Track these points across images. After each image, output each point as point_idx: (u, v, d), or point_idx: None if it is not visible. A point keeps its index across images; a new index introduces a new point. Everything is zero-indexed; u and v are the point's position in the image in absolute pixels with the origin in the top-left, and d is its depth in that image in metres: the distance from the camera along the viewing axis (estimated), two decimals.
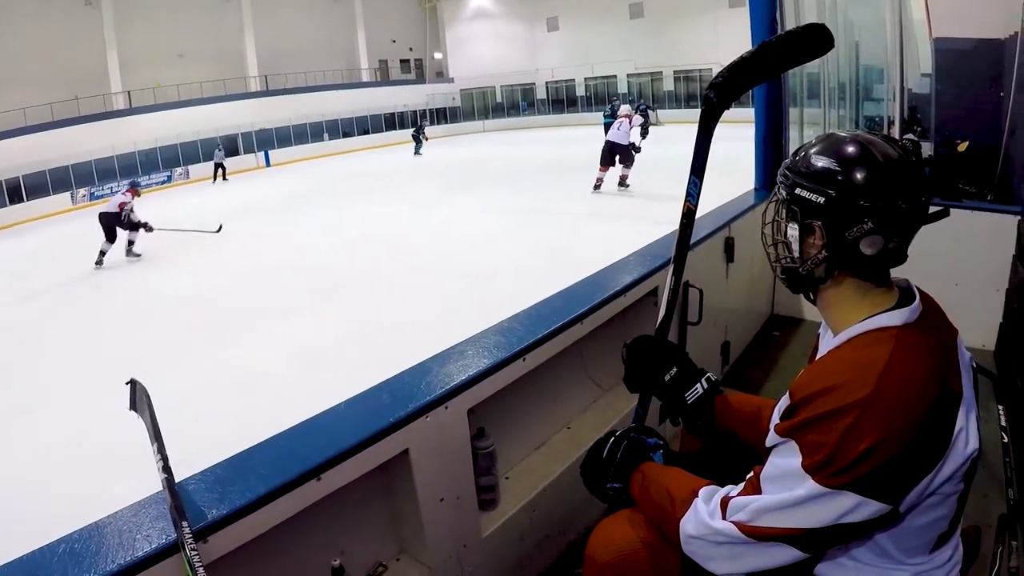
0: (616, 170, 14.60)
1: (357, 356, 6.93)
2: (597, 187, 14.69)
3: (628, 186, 14.65)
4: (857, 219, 1.25)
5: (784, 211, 1.36)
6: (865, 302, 1.31)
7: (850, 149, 1.27)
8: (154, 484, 1.40)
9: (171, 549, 1.27)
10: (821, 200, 1.27)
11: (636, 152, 14.35)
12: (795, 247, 1.35)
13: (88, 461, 5.45)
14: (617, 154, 14.39)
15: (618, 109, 18.80)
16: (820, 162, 1.28)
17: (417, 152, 29.54)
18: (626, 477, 1.60)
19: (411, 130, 31.69)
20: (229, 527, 1.38)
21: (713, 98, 1.68)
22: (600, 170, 14.65)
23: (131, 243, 13.35)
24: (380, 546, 2.01)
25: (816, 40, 1.59)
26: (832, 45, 1.60)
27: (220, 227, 14.40)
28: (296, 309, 9.11)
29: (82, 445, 5.75)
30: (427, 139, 30.85)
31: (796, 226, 1.33)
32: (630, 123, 14.42)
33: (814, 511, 1.18)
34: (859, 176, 1.24)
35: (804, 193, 1.29)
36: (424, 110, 40.34)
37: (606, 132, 19.16)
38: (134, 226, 13.10)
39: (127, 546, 1.27)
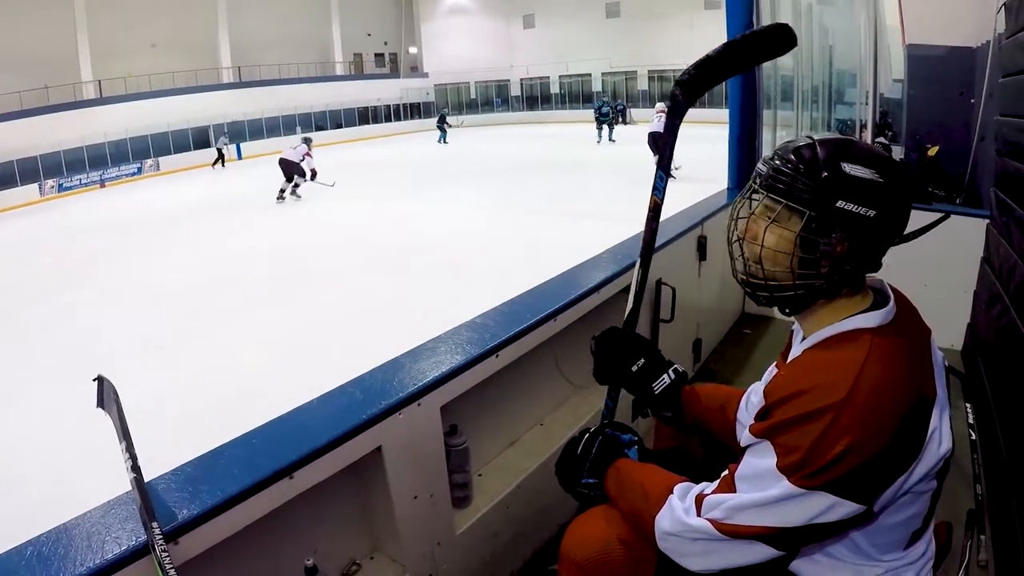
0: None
1: (326, 353, 6.90)
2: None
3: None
4: (896, 231, 1.26)
5: (810, 226, 1.27)
6: (839, 304, 1.32)
7: (880, 158, 1.25)
8: (123, 483, 1.37)
9: (141, 551, 1.24)
10: (871, 214, 1.23)
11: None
12: (826, 263, 1.28)
13: (55, 459, 5.39)
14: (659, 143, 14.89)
15: (602, 107, 23.28)
16: (859, 172, 1.23)
17: (443, 140, 30.52)
18: (601, 473, 1.60)
19: (434, 119, 33.09)
20: (200, 527, 1.36)
21: (679, 95, 1.68)
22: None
23: (297, 186, 17.36)
24: (354, 544, 1.99)
25: (780, 39, 1.61)
26: (795, 44, 1.61)
27: (334, 183, 17.60)
28: (264, 305, 9.07)
29: (48, 443, 5.68)
30: (451, 127, 31.90)
31: (831, 240, 1.26)
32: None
33: (789, 511, 1.19)
34: (900, 188, 1.24)
35: (849, 206, 1.23)
36: (402, 104, 40.22)
37: (599, 127, 23.57)
38: (306, 172, 17.00)
39: (96, 548, 1.24)
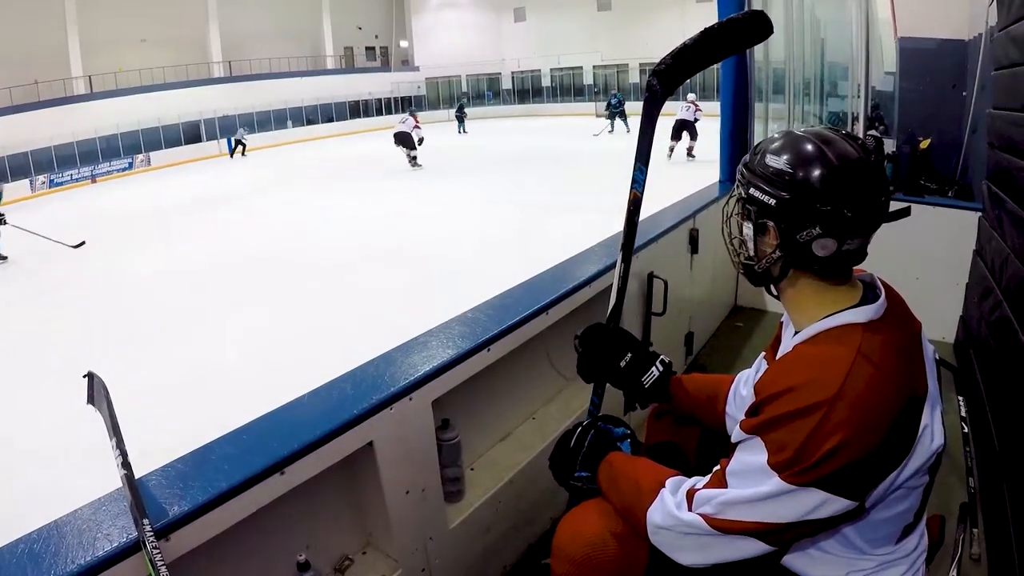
0: (683, 144, 17.76)
1: (317, 346, 6.88)
2: (669, 155, 17.61)
3: (695, 156, 17.57)
4: (808, 222, 1.26)
5: (740, 209, 1.38)
6: (827, 299, 1.32)
7: (806, 151, 1.26)
8: (113, 480, 1.37)
9: (132, 548, 1.24)
10: (773, 202, 1.28)
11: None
12: (750, 245, 1.36)
13: (43, 457, 5.37)
14: (686, 130, 17.58)
15: (613, 100, 26.23)
16: (775, 163, 1.28)
17: (462, 131, 31.61)
18: (594, 466, 1.61)
19: (453, 110, 34.24)
20: (192, 524, 1.35)
21: (656, 85, 1.67)
22: (671, 141, 17.58)
23: (414, 156, 19.68)
24: (346, 539, 1.99)
25: (756, 26, 1.60)
26: (771, 31, 1.60)
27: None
28: (255, 300, 9.05)
29: (36, 440, 5.65)
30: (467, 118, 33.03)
31: (751, 225, 1.34)
32: (696, 108, 17.46)
33: (780, 507, 1.19)
34: (811, 180, 1.24)
35: (758, 194, 1.31)
36: (393, 97, 40.15)
37: (611, 120, 26.29)
38: (417, 142, 19.52)
39: (87, 546, 1.24)
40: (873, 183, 1.25)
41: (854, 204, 1.24)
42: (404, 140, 19.45)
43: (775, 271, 1.35)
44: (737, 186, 1.38)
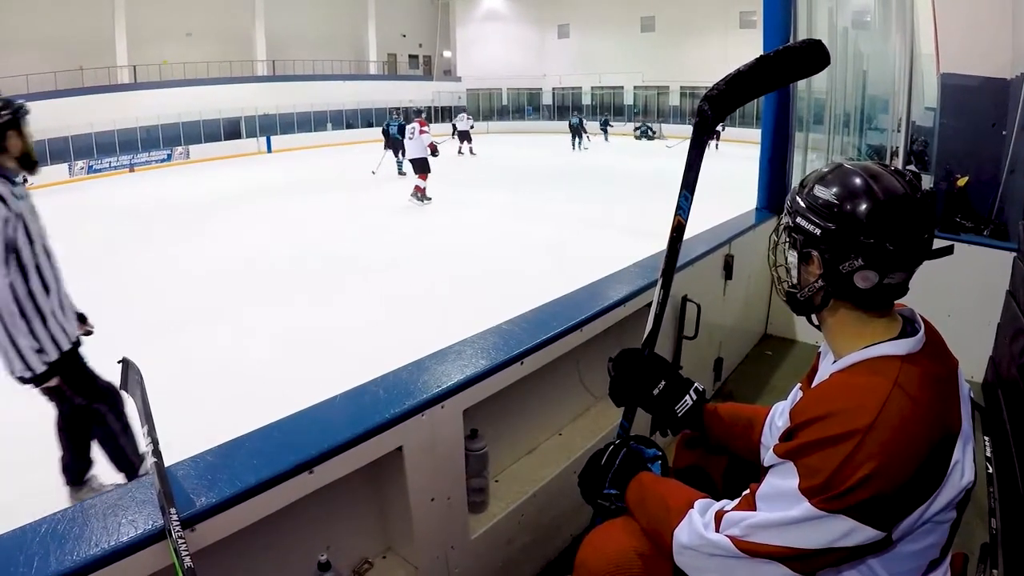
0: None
1: (351, 349, 6.88)
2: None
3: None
4: (852, 254, 1.27)
5: (786, 237, 1.39)
6: (867, 330, 1.32)
7: (854, 183, 1.28)
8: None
9: (157, 536, 1.24)
10: (818, 232, 1.30)
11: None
12: (793, 273, 1.39)
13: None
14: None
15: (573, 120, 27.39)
16: (823, 194, 1.31)
17: (581, 147, 30.42)
18: (623, 484, 1.61)
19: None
20: (218, 516, 1.36)
21: (707, 110, 1.64)
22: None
23: (424, 190, 15.34)
24: (368, 543, 2.00)
25: (813, 57, 1.57)
26: (828, 62, 1.58)
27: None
28: (290, 298, 9.06)
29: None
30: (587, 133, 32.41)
31: (795, 253, 1.37)
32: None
33: (808, 533, 1.19)
34: (857, 213, 1.26)
35: (804, 223, 1.33)
36: (433, 106, 40.35)
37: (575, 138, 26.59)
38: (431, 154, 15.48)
39: (112, 530, 1.25)
40: (917, 219, 1.26)
41: (897, 239, 1.25)
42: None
43: (817, 300, 1.37)
44: (785, 215, 1.39)
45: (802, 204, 1.34)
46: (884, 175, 1.27)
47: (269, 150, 31.80)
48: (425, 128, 15.60)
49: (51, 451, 3.75)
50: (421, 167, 15.22)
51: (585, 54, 41.64)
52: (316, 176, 22.47)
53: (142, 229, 13.65)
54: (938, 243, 1.29)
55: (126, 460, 3.47)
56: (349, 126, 36.20)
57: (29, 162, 3.19)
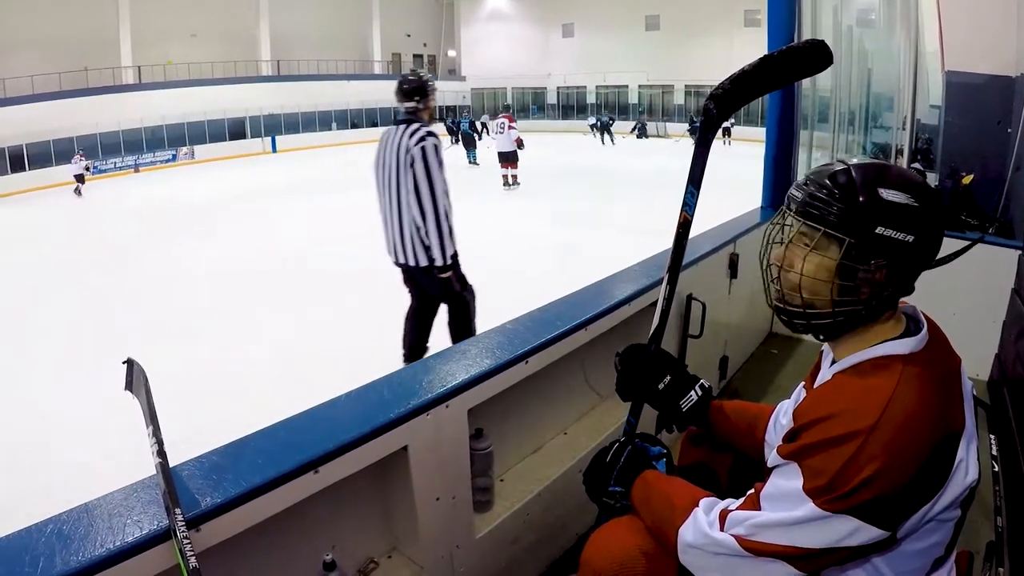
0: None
1: (356, 349, 6.88)
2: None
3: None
4: (931, 256, 1.26)
5: (850, 252, 1.26)
6: (872, 330, 1.31)
7: (916, 183, 1.24)
8: (142, 470, 1.37)
9: (162, 536, 1.24)
10: (910, 239, 1.23)
11: None
12: (866, 289, 1.27)
13: (73, 443, 5.42)
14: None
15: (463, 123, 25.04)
16: (897, 198, 1.23)
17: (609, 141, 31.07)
18: (628, 482, 1.60)
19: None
20: (223, 516, 1.35)
21: (712, 109, 1.64)
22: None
23: (515, 175, 17.31)
24: (373, 542, 1.99)
25: (816, 56, 1.57)
26: (831, 62, 1.57)
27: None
28: (296, 298, 9.07)
29: (69, 426, 5.70)
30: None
31: (870, 267, 1.26)
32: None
33: (812, 532, 1.18)
34: (935, 213, 1.24)
35: (889, 232, 1.23)
36: (438, 106, 40.30)
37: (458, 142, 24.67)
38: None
39: (117, 530, 1.24)
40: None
41: (941, 237, 1.26)
42: (513, 158, 17.10)
43: (862, 311, 1.29)
44: (837, 227, 1.27)
45: (875, 212, 1.23)
46: (910, 171, 1.28)
47: (274, 150, 31.89)
48: (513, 124, 16.94)
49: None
50: (510, 158, 16.84)
51: (589, 53, 41.67)
52: (321, 176, 22.57)
53: (147, 230, 13.70)
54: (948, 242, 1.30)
55: (471, 333, 4.52)
56: (354, 126, 36.30)
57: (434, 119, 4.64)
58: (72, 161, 22.86)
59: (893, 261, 1.24)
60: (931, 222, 1.23)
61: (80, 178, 22.15)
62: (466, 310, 4.59)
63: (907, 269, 1.26)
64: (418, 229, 4.24)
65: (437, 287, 4.45)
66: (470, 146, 23.46)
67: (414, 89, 4.41)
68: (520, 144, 16.85)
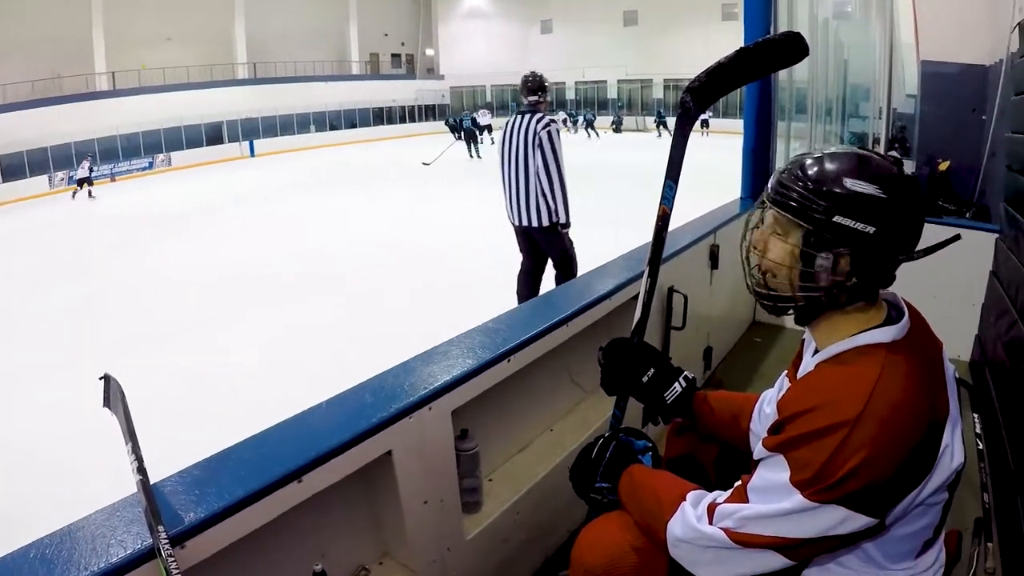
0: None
1: (336, 355, 6.88)
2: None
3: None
4: (900, 247, 1.24)
5: (809, 239, 1.28)
6: (854, 319, 1.31)
7: (884, 173, 1.23)
8: (127, 482, 1.35)
9: (147, 555, 1.22)
10: (871, 230, 1.22)
11: None
12: (824, 276, 1.28)
13: (54, 456, 5.38)
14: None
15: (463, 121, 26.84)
16: (860, 187, 1.22)
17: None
18: (615, 478, 1.61)
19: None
20: (207, 531, 1.33)
21: (689, 102, 1.65)
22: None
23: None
24: (362, 549, 1.98)
25: (792, 48, 1.58)
26: (807, 53, 1.59)
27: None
28: (273, 305, 9.06)
29: (47, 441, 5.66)
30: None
31: (829, 255, 1.26)
32: None
33: (801, 523, 1.19)
34: (901, 203, 1.22)
35: (847, 222, 1.22)
36: (417, 105, 40.32)
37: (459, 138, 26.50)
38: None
39: (101, 552, 1.22)
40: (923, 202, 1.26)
41: (920, 224, 1.26)
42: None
43: (842, 299, 1.30)
44: (800, 214, 1.28)
45: (835, 200, 1.23)
46: (887, 161, 1.27)
47: (252, 154, 31.77)
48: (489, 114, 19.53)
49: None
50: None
51: (568, 49, 41.73)
52: (301, 179, 22.52)
53: (123, 239, 13.68)
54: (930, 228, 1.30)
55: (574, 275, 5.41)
56: (333, 127, 36.27)
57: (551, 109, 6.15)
58: (80, 166, 23.44)
59: (856, 251, 1.24)
60: (898, 214, 1.23)
61: (88, 181, 22.85)
62: (570, 263, 5.62)
63: (872, 260, 1.25)
64: (543, 195, 5.31)
65: (552, 244, 5.56)
66: (472, 141, 25.55)
67: (537, 87, 5.49)
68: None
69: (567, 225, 5.46)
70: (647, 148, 24.91)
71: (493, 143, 21.65)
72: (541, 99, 5.51)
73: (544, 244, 5.64)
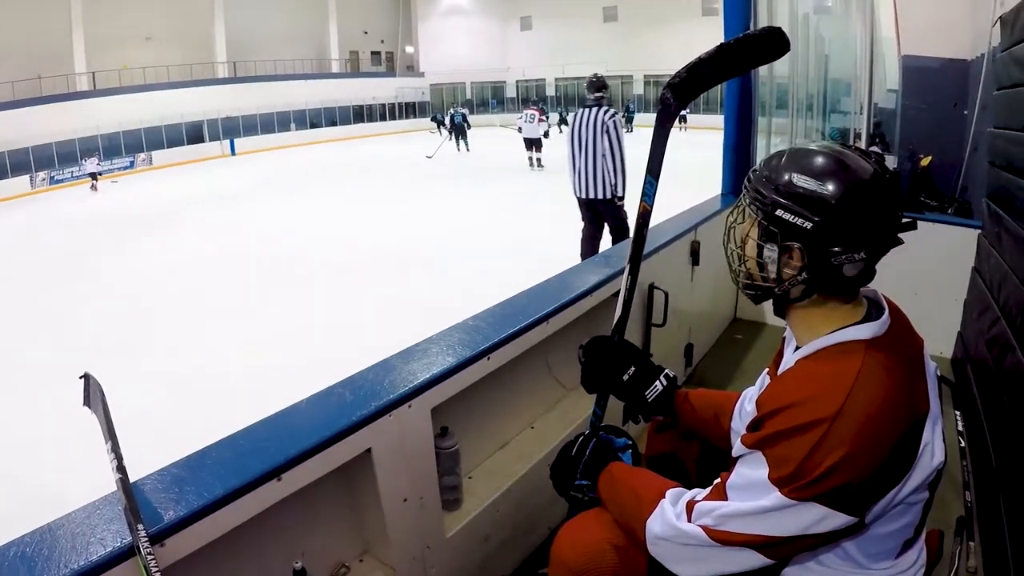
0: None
1: (315, 352, 6.86)
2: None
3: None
4: (842, 243, 1.23)
5: (760, 232, 1.32)
6: (834, 316, 1.31)
7: (833, 170, 1.23)
8: (108, 483, 1.35)
9: (127, 553, 1.22)
10: (808, 226, 1.23)
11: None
12: (772, 268, 1.32)
13: (38, 457, 5.34)
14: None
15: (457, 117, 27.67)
16: (803, 183, 1.24)
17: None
18: (594, 475, 1.61)
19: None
20: (187, 529, 1.33)
21: (670, 98, 1.64)
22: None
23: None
24: (343, 547, 1.98)
25: (773, 44, 1.57)
26: (788, 49, 1.57)
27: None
28: (253, 305, 9.01)
29: (31, 441, 5.62)
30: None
31: (775, 247, 1.29)
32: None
33: (780, 521, 1.19)
34: (846, 200, 1.21)
35: (787, 216, 1.25)
36: (397, 103, 40.20)
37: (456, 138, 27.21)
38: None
39: (80, 550, 1.22)
40: (895, 200, 1.25)
41: (882, 221, 1.24)
42: (539, 144, 20.45)
43: (796, 293, 1.32)
44: (752, 207, 1.33)
45: (778, 195, 1.27)
46: (855, 158, 1.25)
47: (233, 153, 31.61)
48: (543, 117, 20.86)
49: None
50: (537, 144, 20.14)
51: (548, 46, 41.73)
52: (281, 177, 22.46)
53: (105, 238, 13.57)
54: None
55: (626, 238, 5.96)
56: (313, 125, 36.16)
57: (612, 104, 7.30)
58: (87, 161, 24.56)
59: (805, 246, 1.26)
60: (841, 211, 1.22)
61: (94, 176, 24.05)
62: (624, 229, 6.81)
63: (818, 256, 1.25)
64: (608, 173, 6.59)
65: (611, 213, 6.84)
66: (462, 136, 27.05)
67: (601, 85, 6.81)
68: (546, 134, 20.49)
69: (623, 198, 6.67)
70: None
71: (542, 166, 21.29)
72: (604, 95, 6.73)
73: (605, 213, 6.91)
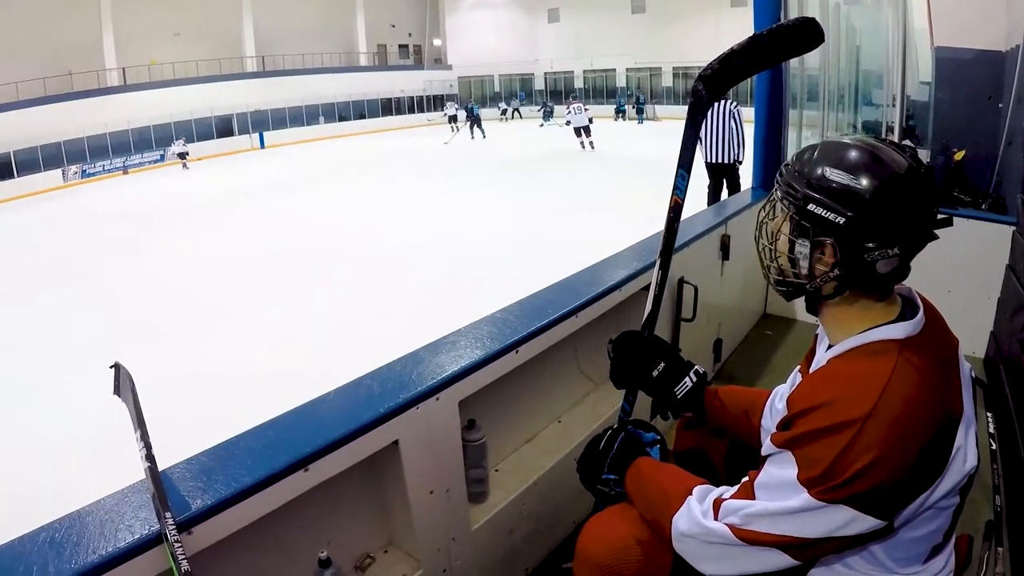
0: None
1: (344, 345, 6.89)
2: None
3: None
4: (877, 239, 1.20)
5: (791, 226, 1.30)
6: (868, 314, 1.28)
7: (867, 163, 1.20)
8: (131, 475, 1.36)
9: (154, 540, 1.23)
10: (841, 220, 1.21)
11: None
12: (804, 264, 1.29)
13: (63, 449, 5.40)
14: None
15: (474, 109, 31.40)
16: (836, 177, 1.21)
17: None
18: (622, 470, 1.60)
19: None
20: (214, 518, 1.34)
21: (702, 91, 1.62)
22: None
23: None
24: (368, 538, 1.98)
25: (806, 34, 1.54)
26: (822, 39, 1.55)
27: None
28: (283, 296, 9.07)
29: (59, 433, 5.68)
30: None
31: (807, 243, 1.27)
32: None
33: (807, 522, 1.17)
34: (880, 195, 1.18)
35: (820, 211, 1.23)
36: (425, 96, 40.29)
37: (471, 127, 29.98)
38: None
39: (109, 536, 1.23)
40: (931, 194, 1.21)
41: (918, 217, 1.21)
42: (588, 130, 22.98)
43: (828, 290, 1.29)
44: (784, 201, 1.31)
45: (811, 189, 1.24)
46: (889, 151, 1.22)
47: (262, 146, 31.86)
48: (586, 108, 23.81)
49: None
50: (586, 131, 22.78)
51: (576, 38, 41.62)
52: (311, 169, 22.59)
53: (138, 231, 13.74)
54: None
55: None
56: (341, 118, 36.28)
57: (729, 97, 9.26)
58: (174, 144, 27.50)
59: (837, 242, 1.23)
60: (875, 206, 1.19)
61: (183, 155, 26.90)
62: (739, 187, 8.81)
63: (851, 252, 1.22)
64: (734, 145, 8.86)
65: (731, 174, 9.07)
66: (477, 124, 30.11)
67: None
68: (591, 120, 23.08)
69: (742, 162, 8.81)
70: (654, 137, 24.91)
71: (594, 147, 23.04)
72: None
73: (726, 174, 9.14)
